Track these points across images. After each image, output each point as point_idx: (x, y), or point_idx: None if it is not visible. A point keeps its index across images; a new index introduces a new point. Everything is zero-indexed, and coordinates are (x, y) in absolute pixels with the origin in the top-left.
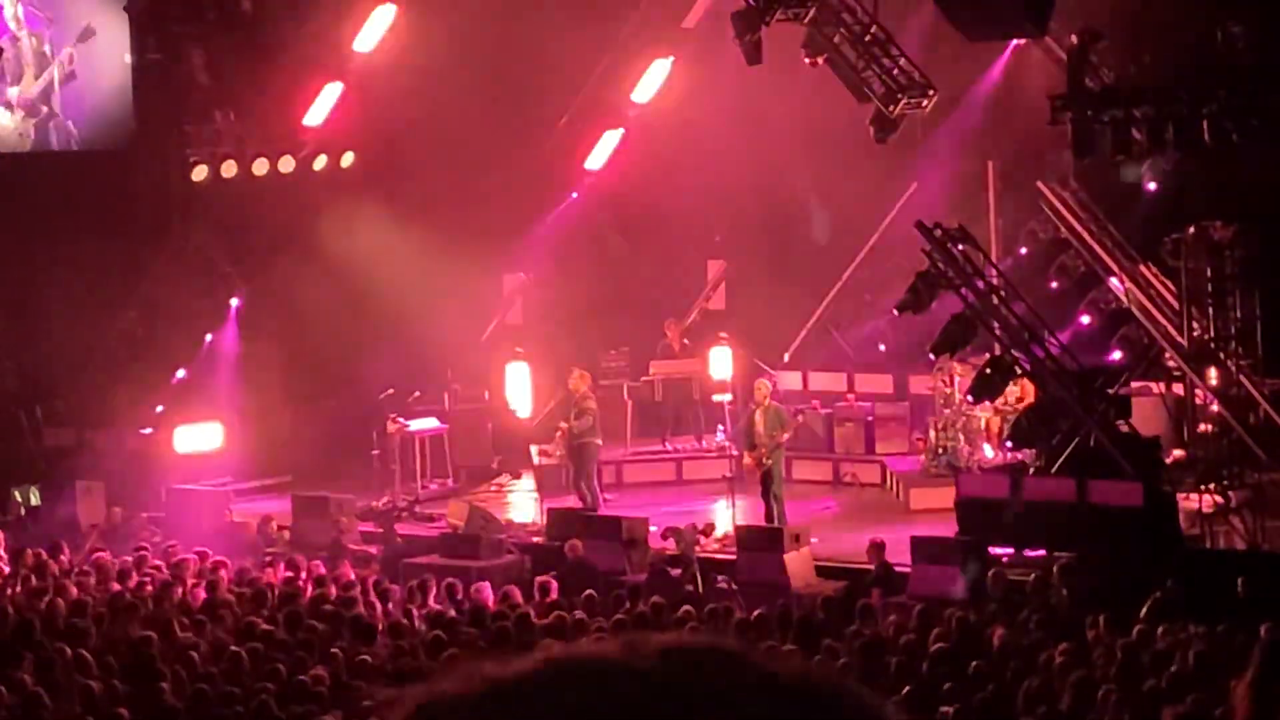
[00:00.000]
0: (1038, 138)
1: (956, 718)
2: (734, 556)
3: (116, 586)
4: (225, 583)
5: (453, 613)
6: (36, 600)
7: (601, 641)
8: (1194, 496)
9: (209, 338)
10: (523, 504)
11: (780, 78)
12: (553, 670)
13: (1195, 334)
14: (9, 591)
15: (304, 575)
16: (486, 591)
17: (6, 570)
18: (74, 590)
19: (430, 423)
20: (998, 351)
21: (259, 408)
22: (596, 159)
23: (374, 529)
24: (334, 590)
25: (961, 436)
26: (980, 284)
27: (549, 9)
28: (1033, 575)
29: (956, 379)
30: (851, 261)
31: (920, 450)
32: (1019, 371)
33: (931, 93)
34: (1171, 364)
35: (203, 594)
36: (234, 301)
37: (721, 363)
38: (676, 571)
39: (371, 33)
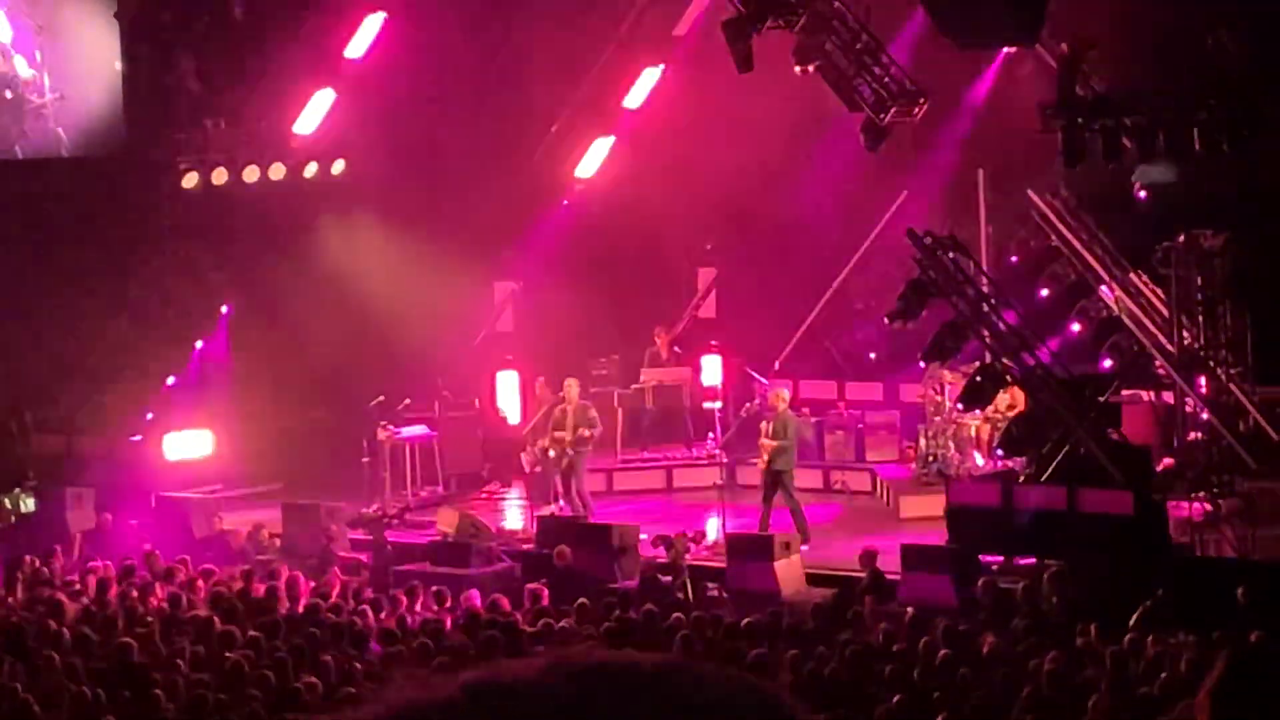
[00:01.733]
0: (1028, 146)
1: None
2: (724, 564)
3: (105, 594)
4: (214, 590)
5: (443, 620)
6: (27, 607)
7: (523, 661)
8: (1184, 505)
9: (199, 345)
10: (513, 511)
11: (771, 86)
12: (469, 693)
13: (1185, 342)
14: (2, 599)
15: (291, 583)
16: (475, 599)
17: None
18: (63, 597)
19: (420, 430)
20: (988, 359)
21: (249, 415)
22: (587, 166)
23: (364, 536)
24: (324, 598)
25: (952, 444)
26: (971, 292)
27: (540, 17)
28: (1021, 584)
29: (947, 387)
30: (842, 270)
31: (911, 458)
32: (1009, 380)
33: (922, 101)
34: (1161, 372)
35: (192, 602)
36: (224, 309)
37: (712, 370)
38: (667, 579)
39: (362, 40)
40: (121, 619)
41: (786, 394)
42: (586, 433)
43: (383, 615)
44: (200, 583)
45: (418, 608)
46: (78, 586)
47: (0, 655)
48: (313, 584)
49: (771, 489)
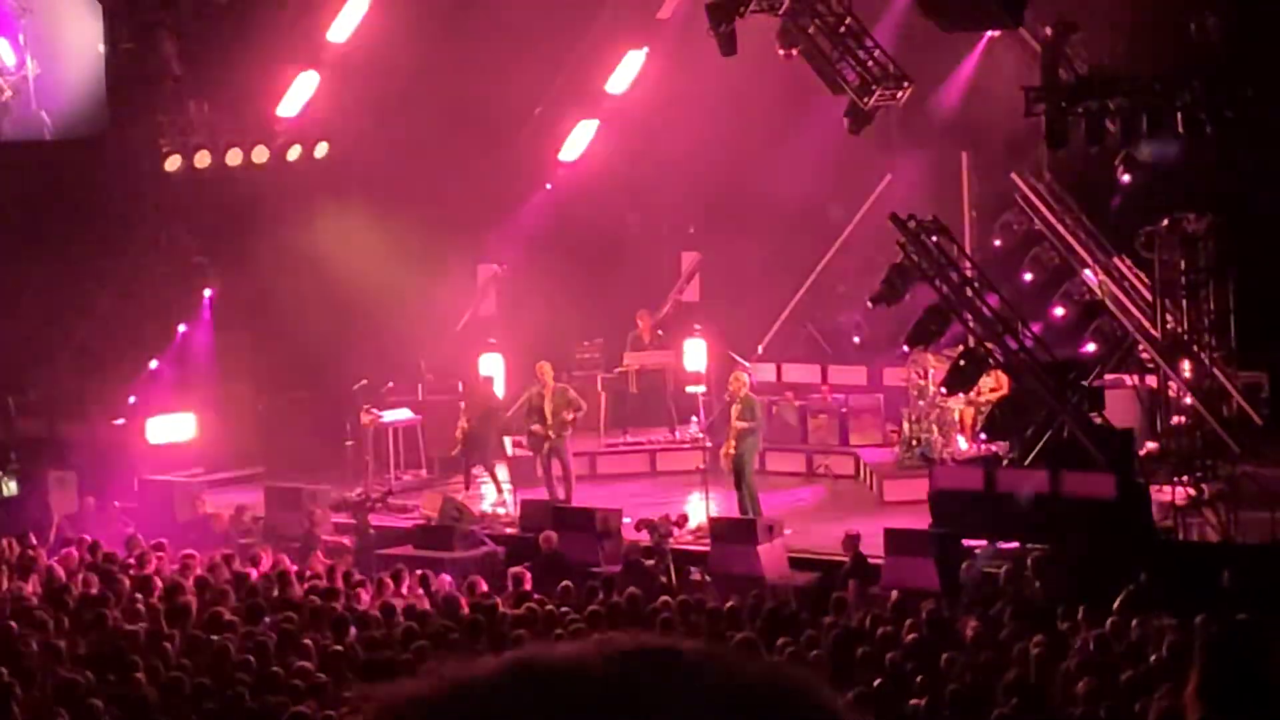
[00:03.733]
0: (1012, 129)
1: (928, 709)
2: (708, 548)
3: (88, 577)
4: (197, 574)
5: (425, 604)
6: (11, 590)
7: (569, 642)
8: (1167, 488)
9: (182, 328)
10: (496, 495)
11: (755, 69)
12: (513, 672)
13: (1169, 326)
14: None
15: (276, 567)
16: (446, 583)
17: None
18: (47, 580)
19: (404, 414)
20: (971, 343)
21: (232, 398)
22: (571, 150)
23: (347, 520)
24: (306, 582)
25: (935, 428)
26: (954, 276)
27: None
28: (1004, 568)
29: (930, 371)
30: (826, 253)
31: (894, 442)
32: (992, 363)
33: (906, 84)
34: (1145, 356)
35: (175, 585)
36: (207, 292)
37: (696, 354)
38: (650, 563)
39: (345, 23)
40: (104, 602)
41: (746, 377)
42: (569, 415)
43: (365, 599)
44: (183, 566)
45: (404, 590)
46: (59, 569)
47: None
48: (295, 567)
49: (738, 473)
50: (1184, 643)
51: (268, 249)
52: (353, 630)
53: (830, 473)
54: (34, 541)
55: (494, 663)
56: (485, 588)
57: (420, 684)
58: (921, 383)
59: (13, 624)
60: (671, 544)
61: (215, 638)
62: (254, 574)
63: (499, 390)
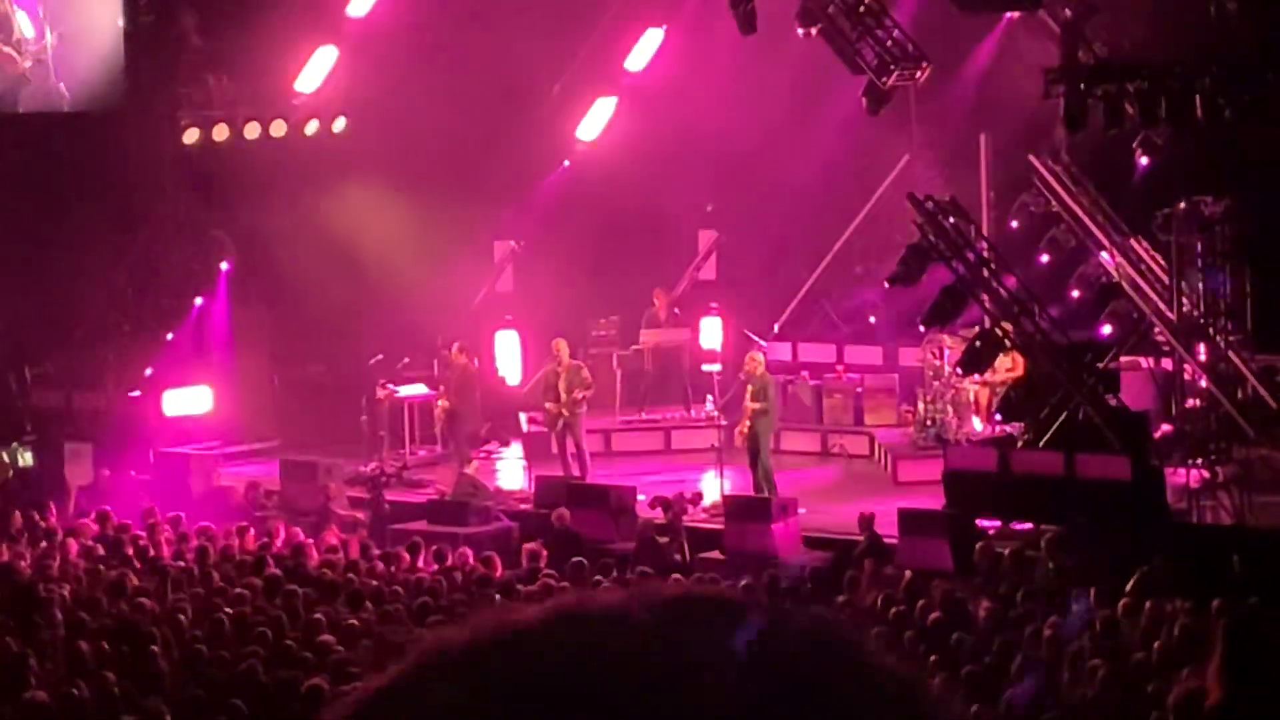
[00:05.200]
0: (1030, 111)
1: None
2: (722, 526)
3: (104, 549)
4: (211, 547)
5: (439, 578)
6: (24, 561)
7: (611, 590)
8: (1181, 471)
9: (199, 301)
10: (511, 471)
11: (773, 48)
12: (556, 619)
13: (1184, 309)
14: None
15: (288, 540)
16: (469, 556)
17: None
18: (62, 552)
19: (419, 389)
20: (987, 324)
21: (248, 372)
22: (589, 128)
23: (362, 495)
24: (320, 555)
25: (950, 409)
26: (971, 256)
27: None
28: (1008, 550)
29: (946, 351)
30: (843, 233)
31: (909, 422)
32: (1008, 345)
33: (925, 64)
34: (1160, 339)
35: (189, 558)
36: (224, 265)
37: (711, 333)
38: (665, 541)
39: None
40: (119, 574)
41: (761, 357)
42: (580, 394)
43: (379, 572)
44: (198, 538)
45: (420, 563)
46: (74, 541)
47: (3, 609)
48: (310, 541)
49: (753, 452)
50: (1197, 626)
51: (285, 223)
52: (366, 604)
53: (845, 452)
54: (50, 513)
55: (536, 610)
56: (499, 564)
57: (462, 631)
58: (937, 363)
59: (28, 596)
60: (686, 522)
61: (230, 611)
62: (269, 547)
63: (511, 370)
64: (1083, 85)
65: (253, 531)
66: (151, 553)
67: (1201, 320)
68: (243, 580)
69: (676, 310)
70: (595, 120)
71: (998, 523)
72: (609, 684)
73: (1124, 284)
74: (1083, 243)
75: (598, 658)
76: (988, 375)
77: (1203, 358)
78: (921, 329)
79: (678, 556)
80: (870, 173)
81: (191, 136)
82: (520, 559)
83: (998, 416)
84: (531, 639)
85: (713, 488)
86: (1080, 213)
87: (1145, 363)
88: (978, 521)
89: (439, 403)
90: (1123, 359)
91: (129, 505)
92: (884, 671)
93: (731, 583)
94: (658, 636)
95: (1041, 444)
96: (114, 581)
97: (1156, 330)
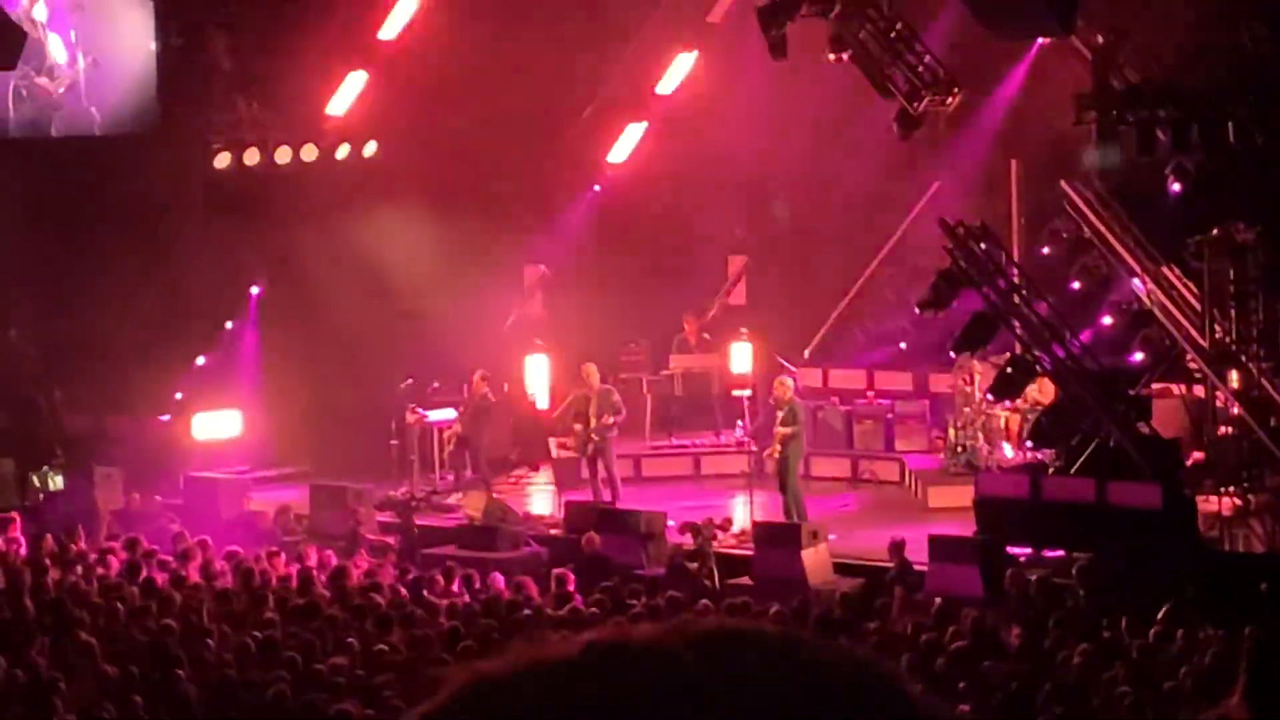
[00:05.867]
0: (1062, 137)
1: (972, 717)
2: (751, 552)
3: (132, 573)
4: (241, 571)
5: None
6: (53, 584)
7: (647, 625)
8: (1213, 499)
9: (229, 325)
10: (540, 496)
11: (805, 73)
12: (592, 653)
13: (1217, 336)
14: (28, 576)
15: (318, 565)
16: (499, 582)
17: (25, 554)
18: (91, 575)
19: (449, 414)
20: (1019, 351)
21: (278, 396)
22: (619, 152)
23: (391, 519)
24: (351, 580)
25: (981, 435)
26: (1002, 283)
27: (574, 1)
28: (1035, 576)
29: (977, 377)
30: (873, 259)
31: (939, 448)
32: (1039, 371)
33: (956, 90)
34: (1192, 366)
35: (218, 583)
36: (254, 289)
37: (741, 358)
38: (694, 566)
39: (396, 22)
40: (148, 598)
41: (790, 381)
42: (609, 419)
43: (409, 598)
44: (227, 563)
45: (454, 588)
46: (102, 566)
47: (29, 631)
48: (339, 566)
49: (783, 478)
50: (1228, 654)
51: (315, 247)
52: (396, 629)
53: (875, 478)
54: (80, 536)
55: (572, 643)
56: (534, 589)
57: (498, 664)
58: (968, 389)
59: (57, 619)
60: (715, 547)
61: (258, 635)
62: (298, 572)
63: (541, 395)
64: (1115, 111)
65: (283, 556)
66: (180, 576)
67: (1234, 347)
68: (271, 604)
69: (706, 335)
70: (626, 145)
71: (1029, 550)
72: (642, 717)
73: (1156, 311)
74: (1114, 269)
75: (636, 693)
76: (1019, 402)
77: (1235, 385)
78: (952, 355)
79: (707, 582)
80: (901, 198)
81: (223, 161)
82: (549, 584)
83: (1029, 443)
84: (569, 673)
85: (742, 513)
86: (1112, 239)
87: (1177, 390)
88: (1009, 548)
89: (454, 428)
90: (1154, 386)
91: (158, 529)
92: (926, 710)
93: (762, 609)
94: (696, 671)
95: (1073, 471)
96: (143, 605)
97: (1188, 357)
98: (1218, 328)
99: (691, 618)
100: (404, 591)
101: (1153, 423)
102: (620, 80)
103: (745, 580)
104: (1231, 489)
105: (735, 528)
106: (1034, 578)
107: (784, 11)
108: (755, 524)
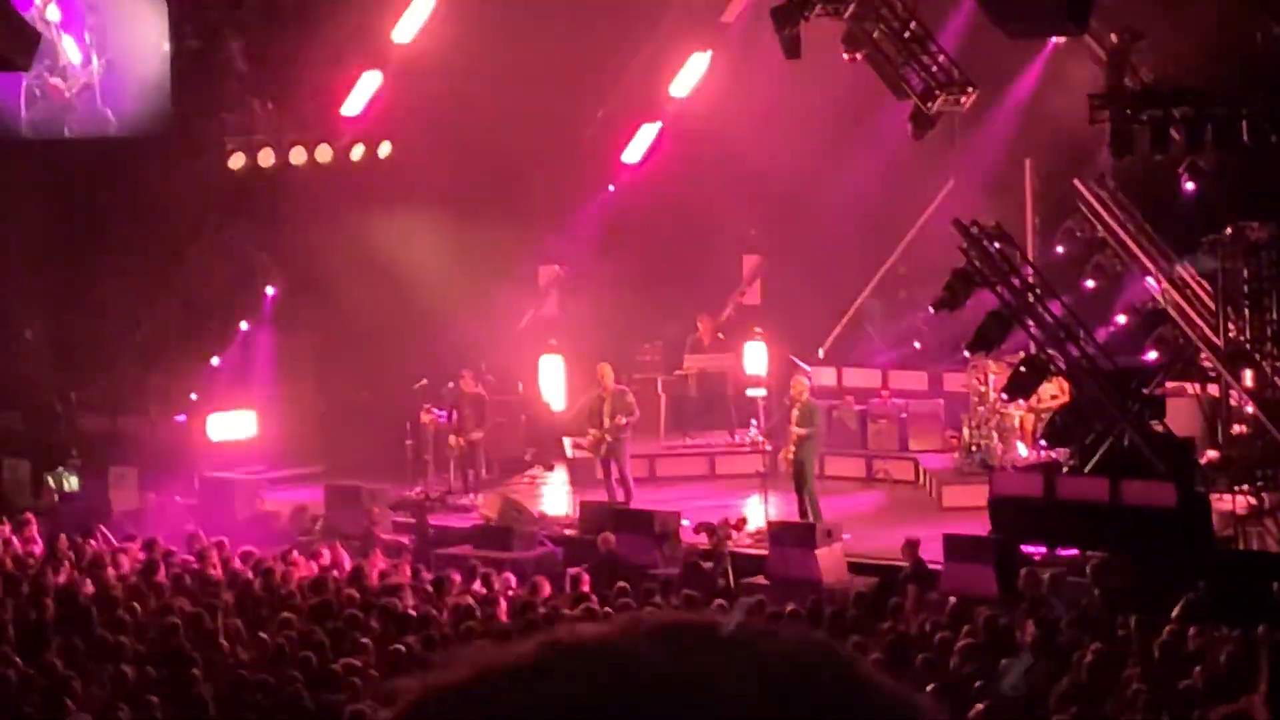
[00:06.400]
0: (1076, 136)
1: (987, 715)
2: (766, 552)
3: (146, 574)
4: (256, 571)
5: (483, 603)
6: (70, 585)
7: (599, 623)
8: (1227, 498)
9: (244, 326)
10: (555, 496)
11: (818, 73)
12: (544, 653)
13: (1231, 335)
14: (43, 576)
15: (333, 565)
16: (512, 581)
17: (41, 554)
18: (106, 576)
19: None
20: (1033, 350)
21: (293, 396)
22: (633, 152)
23: (406, 519)
24: (366, 580)
25: (995, 434)
26: (1016, 282)
27: (588, 2)
28: (1048, 574)
29: (991, 377)
30: (888, 258)
31: (954, 448)
32: (1054, 370)
33: (970, 90)
34: (1207, 365)
35: (234, 583)
36: (269, 290)
37: (756, 358)
38: (709, 566)
39: (410, 23)
40: (163, 598)
41: (806, 382)
42: (622, 420)
43: (424, 598)
44: (242, 563)
45: (476, 586)
46: (117, 566)
47: (44, 631)
48: (355, 566)
49: (799, 478)
50: (1243, 653)
51: (330, 248)
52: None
53: (890, 478)
54: (95, 536)
55: (525, 645)
56: (548, 589)
57: (451, 672)
58: (982, 389)
59: (72, 619)
60: (730, 547)
61: (273, 635)
62: (313, 572)
63: (555, 395)
64: (1129, 111)
65: (298, 556)
66: (196, 577)
67: (1248, 346)
68: (286, 605)
69: (721, 335)
70: (640, 145)
71: (1043, 548)
72: (602, 716)
73: (1170, 310)
74: (1128, 268)
75: (589, 688)
76: (1033, 401)
77: (1249, 384)
78: (967, 354)
79: (722, 581)
80: (915, 198)
81: (237, 161)
82: (564, 584)
83: (1043, 442)
84: (523, 675)
85: (757, 513)
86: (1126, 238)
87: (1191, 389)
88: (1023, 547)
89: (452, 436)
90: (1169, 385)
91: (174, 530)
92: (880, 692)
93: (776, 608)
94: (649, 664)
95: (1087, 470)
96: (158, 605)
97: (1203, 356)
98: (1232, 326)
99: (642, 614)
100: (420, 591)
101: (1167, 422)
102: (634, 81)
103: (760, 579)
104: (1246, 488)
105: (750, 527)
106: (1048, 576)
107: (797, 11)
108: (770, 523)
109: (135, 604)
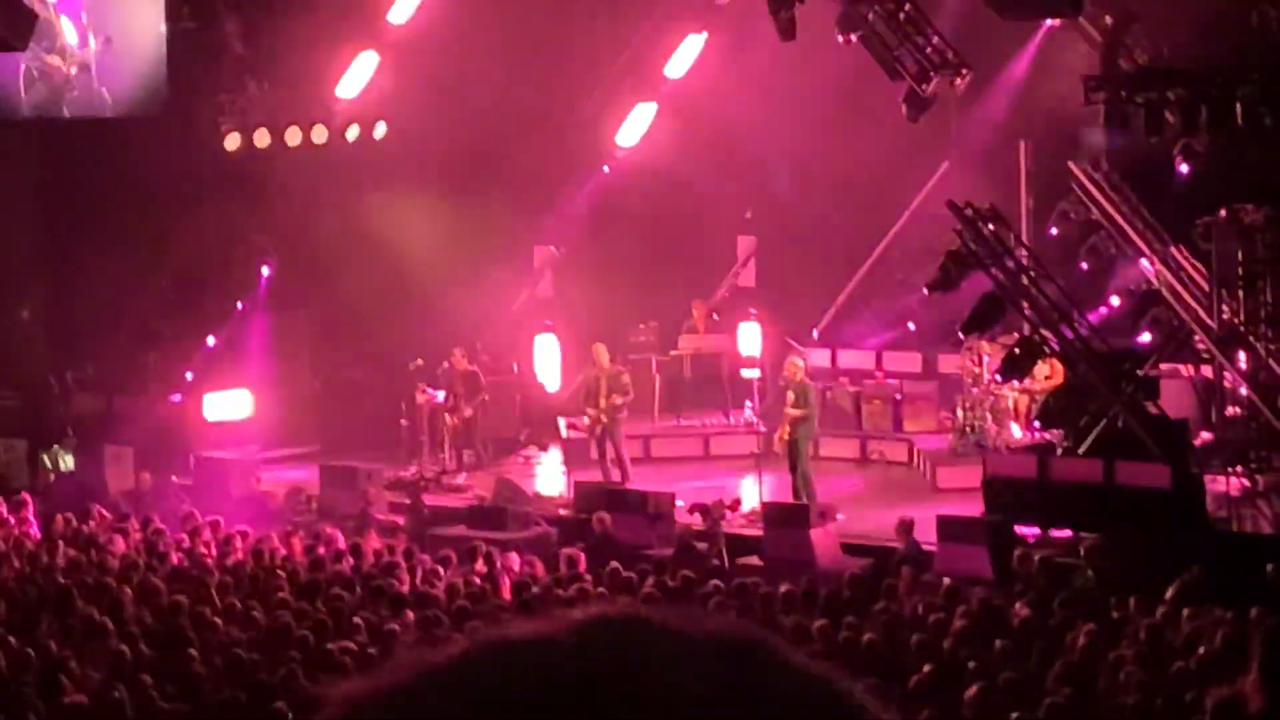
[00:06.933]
0: (1070, 118)
1: (980, 696)
2: (761, 532)
3: (144, 552)
4: (252, 551)
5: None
6: (65, 564)
7: (526, 621)
8: (1221, 479)
9: (240, 306)
10: (550, 476)
11: (813, 54)
12: (477, 652)
13: (1225, 317)
14: (39, 555)
15: (329, 545)
16: (514, 562)
17: (37, 534)
18: (102, 555)
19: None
20: (1027, 331)
21: (288, 377)
22: (628, 134)
23: (401, 499)
24: (361, 560)
25: (989, 416)
26: (1010, 264)
27: None
28: (1037, 558)
29: (985, 358)
30: (882, 240)
31: (948, 429)
32: (1048, 352)
33: (965, 71)
34: (1201, 347)
35: (229, 562)
36: (265, 270)
37: (750, 339)
38: (703, 546)
39: (406, 4)
40: (159, 578)
41: (801, 363)
42: (618, 400)
43: (419, 578)
44: (238, 543)
45: (478, 566)
46: (114, 544)
47: (40, 612)
48: (350, 546)
49: (793, 457)
50: (1237, 634)
51: (326, 228)
52: (407, 610)
53: (883, 459)
54: (91, 516)
55: (458, 645)
56: (542, 569)
57: (383, 675)
58: (976, 370)
59: (67, 598)
60: (724, 528)
61: (269, 615)
62: (308, 552)
63: (550, 376)
64: (1123, 93)
65: (294, 536)
66: (192, 557)
67: (1242, 328)
68: (282, 584)
69: (715, 316)
70: (635, 126)
71: (1037, 530)
72: (532, 713)
73: (1164, 292)
74: (1123, 250)
75: (523, 686)
76: (1027, 382)
77: (1243, 366)
78: (961, 336)
79: (716, 562)
80: (909, 179)
81: (233, 142)
82: (559, 564)
83: (1037, 424)
84: (452, 676)
85: (751, 494)
86: (1120, 220)
87: (1185, 371)
88: (1017, 529)
89: (447, 415)
90: (1163, 367)
91: (169, 509)
92: (801, 673)
93: (769, 589)
94: (578, 659)
95: (1081, 451)
96: (154, 585)
97: (1197, 338)
98: (1226, 308)
99: (573, 609)
100: (416, 571)
101: (1161, 403)
102: (629, 61)
103: (754, 560)
104: (1240, 469)
105: (744, 508)
106: (1042, 558)
107: None
108: (764, 504)
109: (130, 584)
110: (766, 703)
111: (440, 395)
